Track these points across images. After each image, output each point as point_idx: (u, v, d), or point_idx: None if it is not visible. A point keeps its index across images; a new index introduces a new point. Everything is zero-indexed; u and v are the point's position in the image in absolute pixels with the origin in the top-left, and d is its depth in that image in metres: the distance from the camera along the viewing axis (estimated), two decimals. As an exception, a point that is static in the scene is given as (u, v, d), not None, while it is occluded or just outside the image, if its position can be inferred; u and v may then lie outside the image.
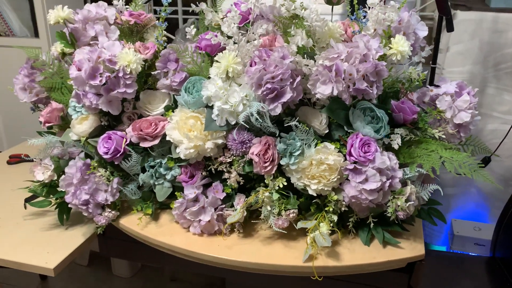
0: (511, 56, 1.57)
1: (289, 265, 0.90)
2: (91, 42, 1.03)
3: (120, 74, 0.94)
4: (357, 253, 0.93)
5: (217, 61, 0.93)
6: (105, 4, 1.05)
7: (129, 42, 1.01)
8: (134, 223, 1.03)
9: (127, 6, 1.10)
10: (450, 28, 1.28)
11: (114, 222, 1.05)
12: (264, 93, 0.89)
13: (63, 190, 1.04)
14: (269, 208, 0.93)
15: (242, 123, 0.89)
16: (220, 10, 1.15)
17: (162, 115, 1.02)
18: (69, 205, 1.04)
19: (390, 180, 0.91)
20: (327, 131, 0.96)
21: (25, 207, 1.22)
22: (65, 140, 1.03)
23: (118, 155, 0.99)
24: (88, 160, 1.02)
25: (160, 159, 1.00)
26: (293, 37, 0.88)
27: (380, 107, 0.96)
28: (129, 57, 0.94)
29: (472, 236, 1.70)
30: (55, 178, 1.08)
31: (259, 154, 0.92)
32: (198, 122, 0.95)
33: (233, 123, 0.93)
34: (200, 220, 0.97)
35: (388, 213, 0.92)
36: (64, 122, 1.11)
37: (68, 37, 1.01)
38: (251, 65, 0.92)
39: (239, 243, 0.96)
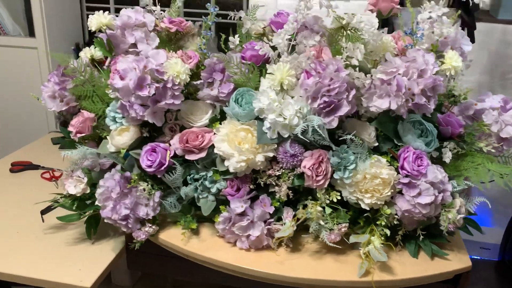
0: (518, 66, 1.63)
1: (345, 281, 0.89)
2: (129, 50, 0.98)
3: (169, 85, 0.90)
4: (408, 266, 0.94)
5: (270, 73, 0.91)
6: (142, 9, 1.00)
7: (170, 51, 0.97)
8: (175, 238, 0.99)
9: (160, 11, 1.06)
10: (472, 41, 1.31)
11: (152, 237, 1.01)
12: (321, 106, 0.88)
13: (97, 204, 0.99)
14: (321, 222, 0.92)
15: (301, 136, 0.88)
16: (255, 18, 1.13)
17: (206, 126, 0.99)
18: (106, 220, 0.99)
19: (442, 194, 0.92)
20: (376, 144, 0.96)
21: (43, 220, 1.16)
22: (102, 152, 0.98)
23: (162, 168, 0.95)
24: (128, 173, 0.98)
25: (206, 172, 0.97)
26: (352, 51, 0.87)
27: (428, 120, 0.96)
28: (178, 68, 0.90)
29: (478, 240, 1.75)
30: (88, 191, 1.03)
31: (312, 168, 0.91)
32: (249, 135, 0.92)
33: (285, 136, 0.91)
34: (249, 235, 0.94)
35: (442, 226, 0.92)
36: (95, 132, 1.05)
37: (106, 44, 0.96)
38: (307, 78, 0.90)
39: (289, 258, 0.94)
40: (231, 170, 0.93)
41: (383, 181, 0.91)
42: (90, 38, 2.04)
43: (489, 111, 0.96)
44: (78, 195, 1.02)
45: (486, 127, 0.97)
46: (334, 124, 0.89)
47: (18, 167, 1.50)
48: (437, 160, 0.97)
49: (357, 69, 0.91)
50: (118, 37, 0.97)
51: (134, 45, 0.99)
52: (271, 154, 0.93)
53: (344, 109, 0.88)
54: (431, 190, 0.90)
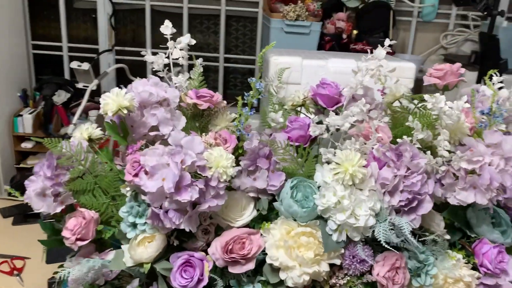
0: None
1: None
2: (150, 133, 0.77)
3: (213, 184, 0.70)
4: None
5: (335, 163, 0.75)
6: (162, 82, 0.80)
7: (203, 134, 0.77)
8: None
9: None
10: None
11: None
12: (402, 203, 0.73)
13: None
14: None
15: (384, 244, 0.72)
16: (282, 82, 0.97)
17: (247, 226, 0.80)
18: None
19: (524, 292, 0.81)
20: (448, 237, 0.83)
21: None
22: (117, 268, 0.75)
23: (200, 286, 0.74)
24: (152, 293, 0.75)
25: (251, 285, 0.77)
26: (441, 141, 0.74)
27: (497, 206, 0.86)
28: (223, 161, 0.71)
29: None
30: (93, 316, 0.78)
31: (387, 276, 0.75)
32: (311, 239, 0.75)
33: (356, 239, 0.75)
34: None
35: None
36: (98, 237, 0.82)
37: (120, 128, 0.74)
38: (379, 168, 0.75)
39: None
40: (289, 284, 0.75)
41: (465, 284, 0.78)
42: (38, 83, 1.74)
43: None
44: (80, 323, 0.77)
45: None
46: (417, 224, 0.74)
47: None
48: (509, 250, 0.86)
49: (428, 152, 0.78)
50: (136, 118, 0.75)
51: (154, 126, 0.78)
52: (338, 262, 0.76)
53: (428, 206, 0.74)
54: (515, 290, 0.79)
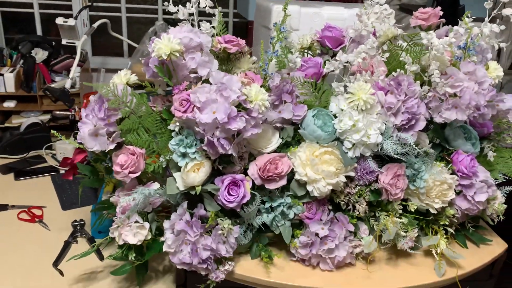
0: None
1: (431, 282, 0.95)
2: (191, 75, 0.87)
3: (254, 115, 0.84)
4: (467, 257, 1.03)
5: (350, 93, 0.90)
6: (197, 29, 0.89)
7: (236, 74, 0.89)
8: (253, 271, 0.94)
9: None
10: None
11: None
12: (404, 122, 0.91)
13: (167, 250, 0.89)
14: (402, 233, 0.96)
15: (393, 154, 0.89)
16: (290, 29, 1.09)
17: (274, 151, 0.94)
18: (180, 266, 0.89)
19: (490, 189, 1.03)
20: (432, 150, 1.02)
21: (62, 274, 1.00)
22: (172, 192, 0.87)
23: (244, 201, 0.88)
24: (202, 211, 0.89)
25: (283, 199, 0.93)
26: (433, 70, 0.91)
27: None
28: (261, 95, 0.84)
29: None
30: (150, 237, 0.91)
31: (390, 183, 0.94)
32: (332, 157, 0.91)
33: (367, 154, 0.92)
34: (335, 256, 0.94)
35: (493, 217, 1.04)
36: (146, 170, 0.93)
37: (165, 70, 0.84)
38: (385, 95, 0.92)
39: (371, 271, 0.97)
40: (315, 194, 0.91)
41: (448, 185, 0.98)
42: (14, 42, 1.72)
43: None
44: (139, 243, 0.89)
45: (510, 123, 1.10)
46: (414, 139, 0.92)
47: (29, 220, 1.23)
48: (476, 158, 1.08)
49: (418, 82, 0.96)
50: (179, 62, 0.85)
51: (193, 69, 0.88)
52: (352, 174, 0.93)
53: (422, 124, 0.92)
54: (485, 187, 1.01)
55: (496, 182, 1.06)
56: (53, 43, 1.71)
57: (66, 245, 1.09)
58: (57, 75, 1.76)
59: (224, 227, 0.88)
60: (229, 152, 0.84)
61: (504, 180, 1.07)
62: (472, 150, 1.03)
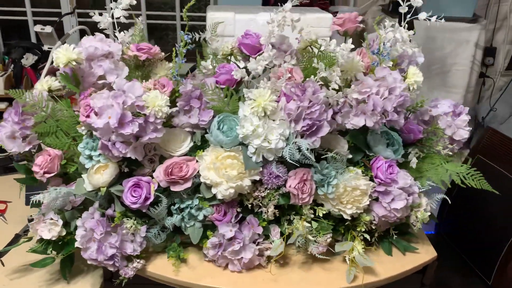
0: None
1: (340, 287, 0.96)
2: (98, 82, 0.93)
3: (151, 120, 0.88)
4: (387, 264, 1.02)
5: (251, 99, 0.92)
6: (107, 38, 0.95)
7: (143, 81, 0.93)
8: (164, 269, 0.98)
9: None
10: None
11: (139, 271, 0.98)
12: (304, 128, 0.92)
13: (78, 246, 0.94)
14: (310, 237, 0.97)
15: (289, 160, 0.91)
16: (216, 35, 1.12)
17: (185, 154, 0.98)
18: (90, 262, 0.95)
19: (411, 196, 1.01)
20: (350, 156, 1.02)
21: (3, 264, 1.08)
22: (79, 192, 0.93)
23: (147, 203, 0.93)
24: (110, 211, 0.94)
25: (191, 201, 0.96)
26: (331, 75, 0.91)
27: (392, 129, 1.05)
28: (159, 101, 0.88)
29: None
30: (64, 233, 0.97)
31: (297, 187, 0.95)
32: (235, 161, 0.93)
33: (270, 159, 0.94)
34: (241, 258, 0.96)
35: (414, 225, 1.02)
36: (63, 170, 0.99)
37: (72, 78, 0.90)
38: (287, 101, 0.93)
39: (281, 274, 0.99)
40: (219, 197, 0.94)
41: (361, 192, 0.98)
42: (6, 48, 1.85)
43: (443, 116, 1.06)
44: (54, 239, 0.96)
45: (441, 130, 1.07)
46: (317, 144, 0.93)
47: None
48: (403, 165, 1.06)
49: (330, 88, 0.96)
50: (86, 70, 0.91)
51: (101, 76, 0.93)
52: (257, 178, 0.95)
53: (325, 130, 0.93)
54: (403, 195, 0.99)
55: (422, 190, 1.04)
56: (42, 48, 1.82)
57: (16, 238, 1.18)
58: (47, 78, 1.87)
59: (127, 226, 0.93)
60: (128, 156, 0.89)
61: (430, 187, 1.05)
62: (393, 156, 1.02)
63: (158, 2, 2.06)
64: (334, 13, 1.67)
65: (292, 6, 0.93)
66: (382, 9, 1.95)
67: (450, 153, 1.04)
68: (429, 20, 0.94)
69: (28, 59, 1.85)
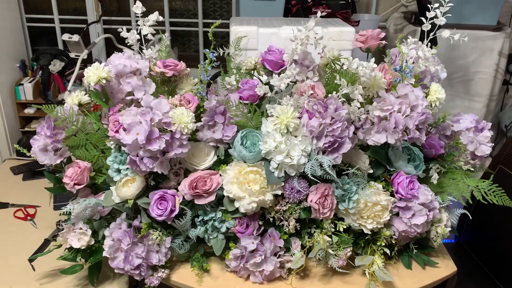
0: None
1: (358, 302, 0.97)
2: (126, 98, 0.96)
3: (177, 136, 0.90)
4: (406, 279, 1.03)
5: (274, 116, 0.94)
6: (135, 55, 0.98)
7: (169, 97, 0.96)
8: (187, 278, 1.01)
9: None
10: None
11: (163, 280, 1.02)
12: (326, 145, 0.93)
13: (105, 255, 0.98)
14: (330, 251, 0.99)
15: (311, 177, 0.92)
16: (239, 49, 1.14)
17: (209, 168, 1.00)
18: (117, 271, 0.98)
19: (432, 212, 1.02)
20: (371, 171, 1.03)
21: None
22: (108, 204, 0.97)
23: (172, 215, 0.96)
24: (136, 222, 0.97)
25: (214, 213, 0.99)
26: (353, 93, 0.93)
27: (414, 145, 1.05)
28: (185, 118, 0.90)
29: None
30: (93, 242, 1.01)
31: (318, 202, 0.97)
32: (257, 176, 0.96)
33: (292, 174, 0.96)
34: (263, 270, 0.99)
35: (434, 241, 1.03)
36: (92, 181, 1.03)
37: (102, 94, 0.94)
38: (309, 118, 0.95)
39: (301, 286, 1.01)
40: (242, 211, 0.96)
41: (382, 207, 0.99)
42: (35, 54, 1.91)
43: (465, 132, 1.06)
44: (83, 248, 1.00)
45: (463, 145, 1.07)
46: (339, 160, 0.94)
47: (22, 218, 1.40)
48: (423, 180, 1.07)
49: (352, 104, 0.97)
50: (115, 87, 0.94)
51: (130, 92, 0.97)
52: (279, 192, 0.97)
53: (347, 146, 0.94)
54: (423, 210, 1.00)
55: (442, 205, 1.05)
56: (69, 55, 1.88)
57: (45, 243, 1.23)
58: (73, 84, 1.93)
59: (153, 238, 0.96)
60: (155, 170, 0.92)
61: (451, 203, 1.05)
62: (414, 172, 1.03)
63: (180, 8, 2.09)
64: (357, 22, 1.68)
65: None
66: (404, 16, 1.94)
67: (472, 168, 1.04)
68: (453, 38, 0.94)
69: (56, 65, 1.90)
